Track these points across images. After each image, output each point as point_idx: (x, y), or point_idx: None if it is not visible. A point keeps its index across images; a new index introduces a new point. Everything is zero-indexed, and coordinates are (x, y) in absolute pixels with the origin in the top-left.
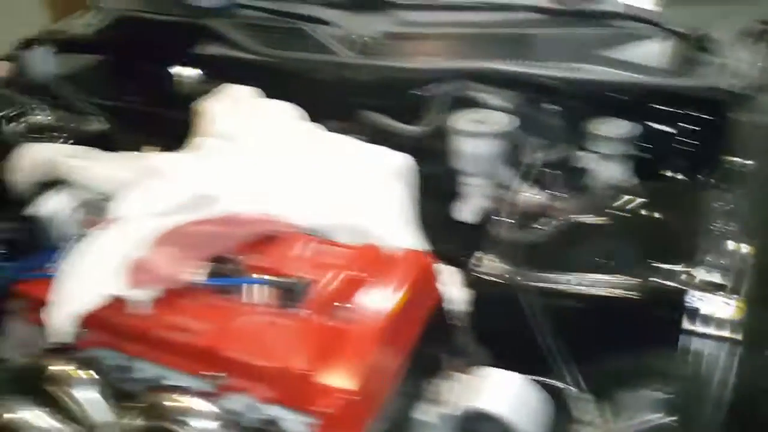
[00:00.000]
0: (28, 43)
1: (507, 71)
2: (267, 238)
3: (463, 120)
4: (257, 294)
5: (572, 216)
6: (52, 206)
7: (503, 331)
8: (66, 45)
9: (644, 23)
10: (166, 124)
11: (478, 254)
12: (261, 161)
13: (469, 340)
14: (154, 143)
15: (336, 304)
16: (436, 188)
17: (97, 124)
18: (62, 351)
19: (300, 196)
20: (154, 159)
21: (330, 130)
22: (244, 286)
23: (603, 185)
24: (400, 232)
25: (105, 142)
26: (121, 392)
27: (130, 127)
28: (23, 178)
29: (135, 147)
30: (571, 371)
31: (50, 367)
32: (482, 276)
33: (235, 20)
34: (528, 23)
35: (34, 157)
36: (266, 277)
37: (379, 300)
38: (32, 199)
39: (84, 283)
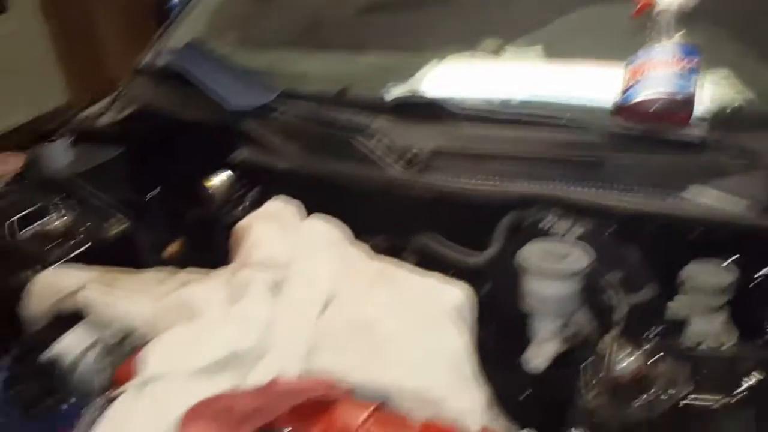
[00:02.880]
0: (44, 135)
1: (583, 200)
2: (319, 405)
3: (532, 253)
4: None
5: (677, 389)
6: (72, 351)
7: None
8: (86, 137)
9: (734, 154)
10: (191, 228)
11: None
12: (310, 305)
13: None
14: (177, 248)
15: None
16: (499, 329)
17: (116, 226)
18: None
19: (354, 350)
20: (186, 292)
21: (378, 251)
22: None
23: (710, 347)
24: (463, 393)
25: (125, 246)
26: None
27: (152, 229)
28: (36, 310)
29: (158, 249)
30: None
31: None
32: None
33: (273, 125)
34: (605, 146)
35: (50, 286)
36: None
37: None
38: (46, 335)
39: None
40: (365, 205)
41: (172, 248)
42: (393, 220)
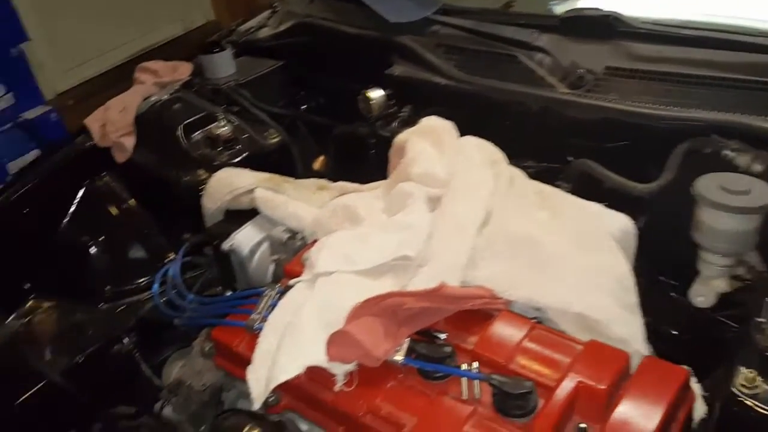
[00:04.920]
0: (209, 45)
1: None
2: (479, 314)
3: (709, 185)
4: (466, 388)
5: None
6: (247, 244)
7: None
8: (248, 49)
9: None
10: (346, 141)
11: (741, 370)
12: (470, 219)
13: None
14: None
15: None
16: (663, 262)
17: (275, 136)
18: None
19: (514, 265)
20: (348, 199)
21: (534, 174)
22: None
23: None
24: (626, 319)
25: (281, 154)
26: None
27: (307, 140)
28: (213, 203)
29: (310, 160)
30: None
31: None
32: (756, 406)
33: (432, 39)
34: None
35: (226, 185)
36: (477, 370)
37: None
38: (222, 228)
39: (286, 350)
40: (524, 124)
41: (321, 161)
42: (552, 143)
